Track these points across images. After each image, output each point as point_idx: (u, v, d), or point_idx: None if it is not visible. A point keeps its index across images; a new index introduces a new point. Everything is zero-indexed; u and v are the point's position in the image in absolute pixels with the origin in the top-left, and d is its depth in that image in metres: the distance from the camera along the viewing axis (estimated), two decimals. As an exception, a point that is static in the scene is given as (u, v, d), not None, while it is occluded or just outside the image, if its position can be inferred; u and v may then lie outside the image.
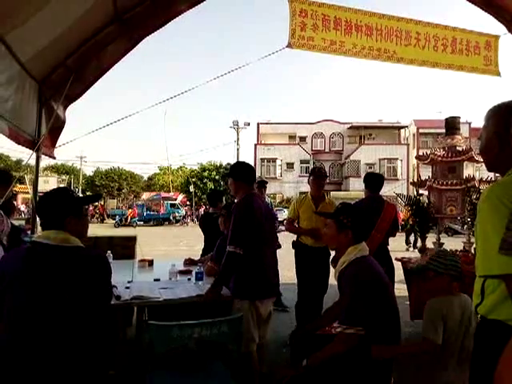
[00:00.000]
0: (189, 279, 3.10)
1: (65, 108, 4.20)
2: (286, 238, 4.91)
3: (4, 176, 3.13)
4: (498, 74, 4.83)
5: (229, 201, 8.68)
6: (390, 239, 4.07)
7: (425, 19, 4.48)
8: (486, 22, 4.76)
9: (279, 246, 4.14)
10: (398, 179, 31.50)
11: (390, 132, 36.59)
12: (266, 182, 5.47)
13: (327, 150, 36.37)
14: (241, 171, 2.82)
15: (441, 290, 2.16)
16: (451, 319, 2.02)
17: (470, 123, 31.80)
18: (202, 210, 30.13)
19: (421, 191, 4.79)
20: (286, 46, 3.90)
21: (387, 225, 3.78)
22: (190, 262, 3.83)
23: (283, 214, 27.50)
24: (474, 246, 3.60)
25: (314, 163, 34.09)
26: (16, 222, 3.65)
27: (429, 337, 1.99)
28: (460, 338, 2.03)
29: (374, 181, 4.03)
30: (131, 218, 26.11)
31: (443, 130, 5.04)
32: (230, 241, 2.59)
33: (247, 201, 2.69)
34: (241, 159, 28.49)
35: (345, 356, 1.95)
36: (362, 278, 2.02)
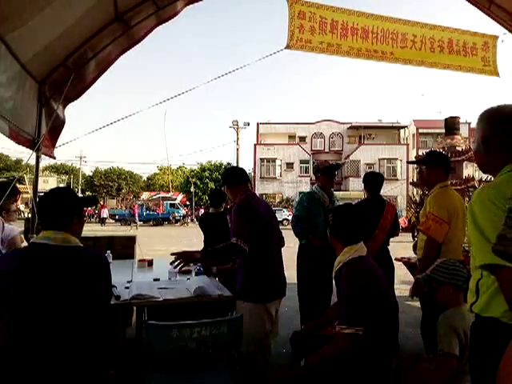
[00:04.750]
0: (188, 279, 3.10)
1: (64, 107, 4.19)
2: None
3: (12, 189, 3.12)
4: (497, 75, 4.83)
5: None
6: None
7: (422, 20, 4.50)
8: (484, 23, 4.77)
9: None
10: (397, 179, 31.53)
11: (389, 132, 36.61)
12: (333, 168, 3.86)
13: (327, 150, 36.35)
14: (232, 176, 2.83)
15: (449, 302, 2.12)
16: (466, 329, 1.93)
17: (469, 123, 31.79)
18: (201, 211, 30.14)
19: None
20: (285, 48, 3.93)
21: (389, 224, 3.78)
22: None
23: (282, 214, 27.67)
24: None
25: (313, 163, 34.09)
26: (16, 223, 3.63)
27: (444, 349, 1.94)
28: None
29: (374, 182, 3.91)
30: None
31: (443, 130, 5.07)
32: (233, 233, 2.49)
33: (247, 201, 2.69)
34: (240, 159, 28.63)
35: (342, 356, 1.94)
36: (356, 278, 2.01)
